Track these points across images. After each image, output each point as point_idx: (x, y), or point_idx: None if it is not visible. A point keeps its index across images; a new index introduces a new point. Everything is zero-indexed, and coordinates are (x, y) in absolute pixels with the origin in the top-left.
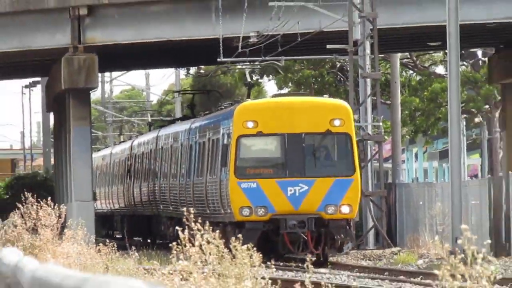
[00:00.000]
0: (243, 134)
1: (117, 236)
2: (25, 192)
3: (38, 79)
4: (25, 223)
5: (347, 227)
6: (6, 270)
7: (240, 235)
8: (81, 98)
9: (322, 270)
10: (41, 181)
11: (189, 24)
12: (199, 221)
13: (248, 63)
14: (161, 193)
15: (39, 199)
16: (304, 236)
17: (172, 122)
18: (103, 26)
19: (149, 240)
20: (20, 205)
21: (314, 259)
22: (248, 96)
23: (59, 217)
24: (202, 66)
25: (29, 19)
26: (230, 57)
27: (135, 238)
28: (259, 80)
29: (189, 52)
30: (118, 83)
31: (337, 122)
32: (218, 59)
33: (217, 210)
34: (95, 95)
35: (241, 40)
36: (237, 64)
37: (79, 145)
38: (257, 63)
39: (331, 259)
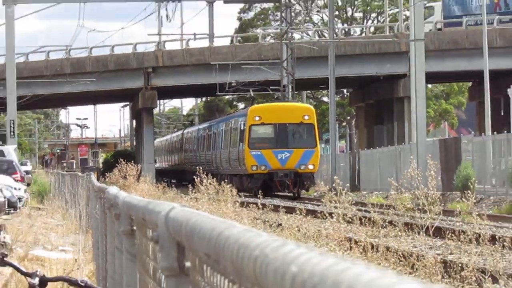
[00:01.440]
0: (253, 124)
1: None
2: (120, 158)
3: (128, 103)
4: (120, 174)
5: (312, 177)
6: (110, 197)
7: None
8: (149, 112)
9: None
10: (128, 153)
11: (203, 76)
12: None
13: (231, 95)
14: (200, 158)
15: (127, 162)
16: (287, 182)
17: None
18: (160, 77)
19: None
20: (118, 165)
21: (291, 195)
22: (252, 104)
23: (137, 170)
24: (208, 97)
25: (124, 73)
26: (222, 92)
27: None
28: (236, 103)
29: (203, 90)
30: (167, 105)
31: (306, 117)
32: (216, 94)
33: (237, 167)
34: (155, 110)
35: (227, 84)
36: (225, 95)
37: (147, 136)
38: (235, 95)
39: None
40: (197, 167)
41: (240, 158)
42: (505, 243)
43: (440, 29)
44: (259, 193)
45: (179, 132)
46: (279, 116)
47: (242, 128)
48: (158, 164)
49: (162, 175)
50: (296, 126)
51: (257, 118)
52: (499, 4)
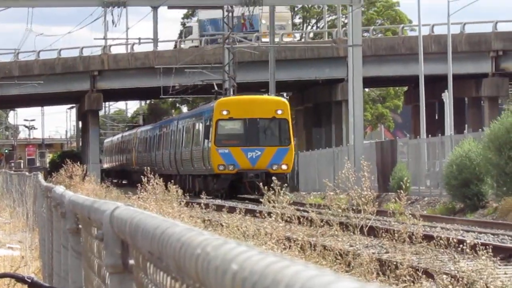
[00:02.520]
0: (220, 118)
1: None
2: (67, 159)
3: (74, 105)
4: (66, 173)
5: (285, 178)
6: (56, 196)
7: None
8: (94, 114)
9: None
10: (74, 154)
11: (147, 79)
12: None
13: (175, 98)
14: (156, 158)
15: (73, 162)
16: (258, 183)
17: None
18: (105, 80)
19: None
20: (64, 165)
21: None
22: (215, 99)
23: (83, 171)
24: (153, 100)
25: (70, 76)
26: (166, 95)
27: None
28: (179, 106)
29: (147, 92)
30: (113, 107)
31: (279, 112)
32: (160, 96)
33: (201, 167)
34: (101, 112)
35: (171, 88)
36: (169, 98)
37: (93, 137)
38: (178, 97)
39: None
40: (147, 168)
41: (205, 156)
42: (441, 241)
43: (197, 46)
44: (223, 195)
45: (132, 131)
46: (250, 110)
47: (207, 123)
48: (108, 164)
49: (112, 176)
50: (268, 121)
51: (224, 112)
52: (245, 24)
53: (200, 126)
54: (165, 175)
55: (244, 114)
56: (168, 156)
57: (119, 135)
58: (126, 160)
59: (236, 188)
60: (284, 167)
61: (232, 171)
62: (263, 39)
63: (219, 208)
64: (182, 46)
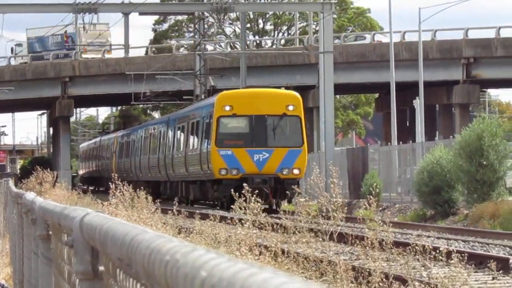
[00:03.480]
0: (222, 115)
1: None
2: (38, 165)
3: (45, 111)
4: (37, 180)
5: (297, 185)
6: (27, 202)
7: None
8: (65, 120)
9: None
10: (45, 160)
11: (118, 86)
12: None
13: (146, 104)
14: (140, 163)
15: (44, 169)
16: (266, 191)
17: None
18: (76, 86)
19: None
20: (35, 172)
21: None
22: (209, 95)
23: (54, 177)
24: (124, 106)
25: (42, 82)
26: (137, 101)
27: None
28: (150, 112)
29: (118, 99)
30: (84, 114)
31: (291, 107)
32: (131, 102)
33: (198, 172)
34: (72, 119)
35: (142, 94)
36: (140, 104)
37: (64, 143)
38: (149, 104)
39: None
40: (114, 174)
41: (203, 159)
42: (415, 248)
43: (26, 63)
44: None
45: (111, 135)
46: (256, 105)
47: (207, 121)
48: (84, 170)
49: (88, 183)
50: (277, 118)
51: (227, 108)
52: (67, 41)
53: (197, 125)
54: (152, 182)
55: (249, 110)
56: (157, 161)
57: (97, 139)
58: (104, 166)
59: (240, 196)
60: (296, 171)
61: (236, 176)
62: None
63: (191, 215)
64: (13, 63)
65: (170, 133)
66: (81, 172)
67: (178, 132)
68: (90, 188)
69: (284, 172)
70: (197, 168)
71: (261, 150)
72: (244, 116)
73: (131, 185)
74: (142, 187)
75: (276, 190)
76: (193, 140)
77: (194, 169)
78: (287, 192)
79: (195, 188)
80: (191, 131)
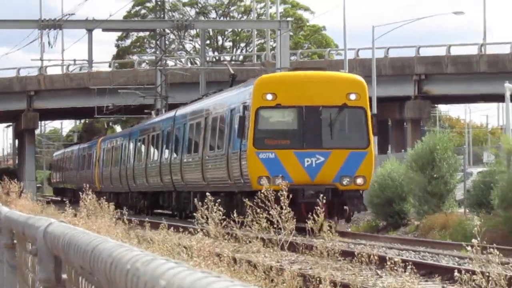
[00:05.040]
0: (262, 106)
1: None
2: (4, 176)
3: (11, 123)
4: (3, 190)
5: (360, 198)
6: (4, 221)
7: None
8: (30, 133)
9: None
10: (11, 171)
11: (82, 99)
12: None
13: (109, 117)
14: (139, 171)
15: (10, 179)
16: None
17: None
18: (42, 99)
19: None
20: (1, 182)
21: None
22: (231, 86)
23: (20, 187)
24: (87, 119)
25: (7, 96)
26: (100, 115)
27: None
28: (112, 125)
29: (82, 112)
30: (48, 126)
31: (353, 96)
32: (94, 116)
33: (225, 181)
34: (37, 131)
35: (105, 107)
36: (103, 117)
37: (29, 155)
38: (112, 117)
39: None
40: (85, 185)
41: (233, 165)
42: (362, 258)
43: None
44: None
45: (92, 142)
46: (308, 93)
47: (240, 114)
48: (58, 180)
49: (64, 195)
50: (336, 111)
51: (269, 97)
52: None
53: (224, 120)
54: (150, 193)
55: (299, 100)
56: (158, 167)
57: (75, 147)
58: (85, 177)
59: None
60: (359, 181)
61: (280, 186)
62: None
63: (154, 225)
64: None
65: (178, 133)
66: (54, 180)
67: (192, 131)
68: (63, 199)
69: (344, 182)
70: (223, 176)
71: (314, 153)
72: (291, 108)
73: (118, 196)
74: (133, 199)
75: (332, 205)
76: (219, 140)
77: (216, 176)
78: (345, 207)
79: (222, 201)
80: (215, 129)
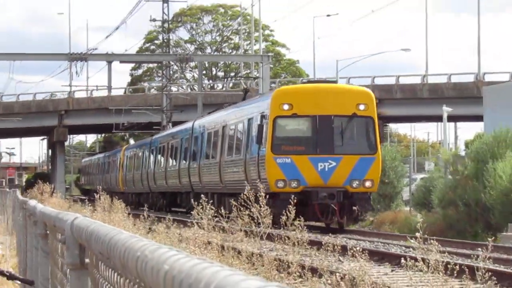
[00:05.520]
0: (280, 115)
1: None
2: (39, 179)
3: (45, 136)
4: (38, 190)
5: (368, 200)
6: (30, 207)
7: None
8: (61, 144)
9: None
10: (45, 175)
11: (102, 118)
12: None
13: (123, 133)
14: (161, 175)
15: (44, 182)
16: (334, 207)
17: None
18: (70, 117)
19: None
20: (37, 184)
21: (321, 225)
22: (243, 99)
23: (51, 188)
24: (106, 134)
25: (42, 114)
26: (117, 130)
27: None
28: (127, 138)
29: (102, 128)
30: (75, 139)
31: (362, 107)
32: (112, 131)
33: (239, 183)
34: (66, 143)
35: (121, 124)
36: (119, 132)
37: (60, 162)
38: (127, 132)
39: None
40: (99, 187)
41: (251, 168)
42: (328, 248)
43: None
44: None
45: (117, 150)
46: (321, 104)
47: (259, 122)
48: (87, 183)
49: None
50: (346, 120)
51: (285, 107)
52: None
53: (242, 128)
54: (169, 193)
55: (313, 110)
56: (177, 171)
57: (101, 155)
58: (110, 180)
59: (299, 212)
60: (368, 184)
61: (296, 189)
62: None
63: (159, 219)
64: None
65: (196, 141)
66: (82, 183)
67: (209, 138)
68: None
69: (354, 185)
70: (240, 178)
71: (327, 158)
72: (306, 117)
73: (140, 196)
74: (154, 199)
75: (342, 206)
76: (233, 147)
77: (233, 179)
78: (353, 208)
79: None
80: (229, 136)
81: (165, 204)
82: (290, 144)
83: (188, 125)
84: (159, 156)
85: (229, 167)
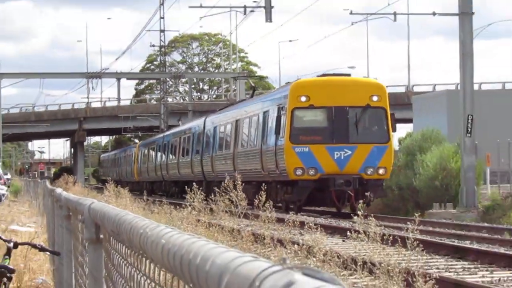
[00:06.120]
0: (297, 107)
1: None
2: (64, 172)
3: (69, 138)
4: (63, 181)
5: (381, 186)
6: (57, 194)
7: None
8: (81, 144)
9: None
10: (69, 168)
11: (113, 123)
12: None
13: (130, 134)
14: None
15: (68, 174)
16: (350, 193)
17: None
18: (88, 123)
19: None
20: (62, 176)
21: (333, 210)
22: (252, 96)
23: (74, 179)
24: (116, 135)
25: (66, 121)
26: (125, 133)
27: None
28: (133, 139)
29: (113, 131)
30: (92, 140)
31: (375, 98)
32: (121, 133)
33: (257, 171)
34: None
35: (128, 128)
36: (127, 134)
37: (80, 158)
38: (133, 134)
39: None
40: (112, 176)
41: (267, 158)
42: (290, 223)
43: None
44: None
45: (131, 147)
46: (337, 95)
47: (277, 113)
48: (103, 173)
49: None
50: (360, 111)
51: (303, 99)
52: None
53: (257, 121)
54: (181, 182)
55: (329, 101)
56: (190, 161)
57: (117, 151)
58: (126, 171)
59: (316, 199)
60: (381, 171)
61: (314, 176)
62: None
63: (159, 203)
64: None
65: (209, 134)
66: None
67: (221, 131)
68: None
69: (369, 172)
70: (256, 166)
71: (343, 147)
72: (322, 108)
73: (153, 184)
74: (167, 186)
75: (357, 193)
76: (246, 138)
77: (247, 168)
78: (366, 194)
79: (248, 189)
80: (258, 126)
81: (177, 191)
82: (307, 134)
83: (199, 121)
84: (171, 149)
85: (243, 157)
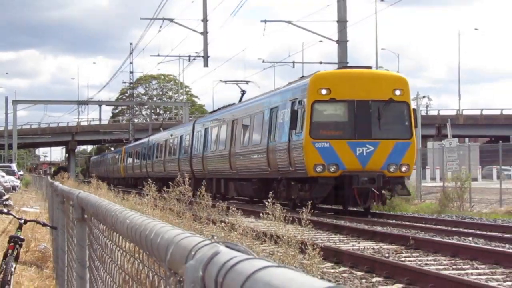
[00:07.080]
0: (317, 100)
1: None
2: (61, 170)
3: (64, 146)
4: (60, 176)
5: (404, 184)
6: (55, 186)
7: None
8: (73, 151)
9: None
10: (64, 167)
11: (96, 136)
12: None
13: (108, 144)
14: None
15: (63, 172)
16: (375, 191)
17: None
18: (78, 136)
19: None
20: (60, 173)
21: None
22: (240, 101)
23: (68, 175)
24: (98, 145)
25: (63, 134)
26: (104, 143)
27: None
28: (110, 147)
29: (95, 142)
30: (81, 147)
31: (398, 92)
32: (101, 143)
33: (264, 169)
34: (76, 150)
35: (106, 140)
36: (106, 144)
37: (72, 161)
38: (110, 144)
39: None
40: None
41: (276, 155)
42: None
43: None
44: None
45: (138, 142)
46: (358, 89)
47: (295, 107)
48: (93, 172)
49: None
50: (383, 105)
51: (323, 92)
52: None
53: (261, 118)
54: (166, 178)
55: (350, 94)
56: (177, 161)
57: (105, 154)
58: (113, 169)
59: (337, 196)
60: (404, 168)
61: (335, 173)
62: None
63: (140, 195)
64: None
65: (198, 136)
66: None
67: (212, 133)
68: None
69: (391, 169)
70: (258, 165)
71: (365, 143)
72: (344, 102)
73: (137, 180)
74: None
75: (379, 191)
76: (277, 131)
77: (247, 166)
78: (384, 191)
79: (245, 186)
80: (278, 120)
81: (161, 186)
82: (328, 129)
83: (187, 125)
84: (156, 150)
85: (242, 156)
